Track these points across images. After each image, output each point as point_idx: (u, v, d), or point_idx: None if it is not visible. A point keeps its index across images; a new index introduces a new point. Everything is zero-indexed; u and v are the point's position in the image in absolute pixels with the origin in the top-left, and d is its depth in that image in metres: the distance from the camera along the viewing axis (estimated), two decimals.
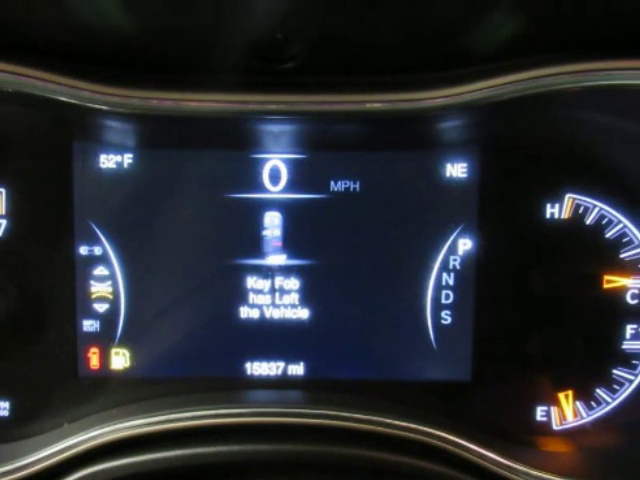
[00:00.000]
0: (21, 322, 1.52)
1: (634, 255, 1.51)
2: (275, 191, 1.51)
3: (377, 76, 1.38)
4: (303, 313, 1.54)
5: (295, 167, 1.50)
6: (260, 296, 1.53)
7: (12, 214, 1.49)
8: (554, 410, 1.56)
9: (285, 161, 1.50)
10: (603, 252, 1.51)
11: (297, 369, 1.56)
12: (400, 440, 1.42)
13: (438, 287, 1.53)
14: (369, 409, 1.44)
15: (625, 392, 1.55)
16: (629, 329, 1.53)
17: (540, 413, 1.56)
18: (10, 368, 1.53)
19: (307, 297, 1.53)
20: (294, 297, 1.53)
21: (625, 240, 1.51)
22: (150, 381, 1.54)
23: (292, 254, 1.52)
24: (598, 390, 1.56)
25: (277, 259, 1.53)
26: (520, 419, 1.56)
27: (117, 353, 1.54)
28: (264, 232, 1.51)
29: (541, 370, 1.55)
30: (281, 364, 1.56)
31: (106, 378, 1.54)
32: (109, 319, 1.53)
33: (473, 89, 1.34)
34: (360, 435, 1.42)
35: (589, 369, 1.55)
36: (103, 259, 1.51)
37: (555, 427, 1.57)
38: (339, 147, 1.49)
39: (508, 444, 1.49)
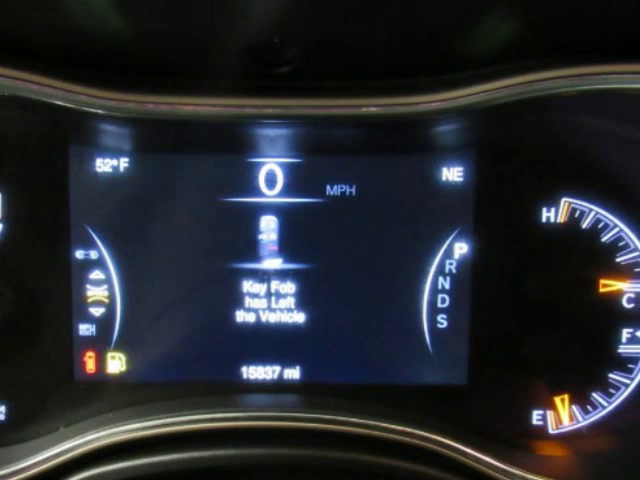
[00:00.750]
0: (17, 326, 1.52)
1: (630, 259, 1.52)
2: (271, 195, 1.50)
3: (373, 80, 1.37)
4: (299, 317, 1.54)
5: (291, 171, 1.50)
6: (256, 300, 1.53)
7: (8, 218, 1.49)
8: (550, 414, 1.56)
9: (281, 165, 1.50)
10: (599, 256, 1.51)
11: (293, 373, 1.55)
12: (396, 444, 1.41)
13: (434, 291, 1.53)
14: (365, 413, 1.44)
15: (621, 396, 1.55)
16: (625, 333, 1.53)
17: (536, 417, 1.56)
18: (6, 372, 1.53)
19: (303, 301, 1.53)
20: (290, 301, 1.53)
21: (621, 244, 1.51)
22: (146, 385, 1.54)
23: (288, 258, 1.52)
24: (594, 394, 1.55)
25: (273, 263, 1.52)
26: (516, 423, 1.56)
27: (113, 357, 1.54)
28: (260, 236, 1.51)
29: (537, 374, 1.54)
30: (277, 368, 1.55)
31: (102, 382, 1.54)
32: (105, 323, 1.53)
33: (469, 93, 1.34)
34: (356, 439, 1.42)
35: (585, 373, 1.55)
36: (99, 263, 1.51)
37: (551, 431, 1.57)
38: (335, 151, 1.49)
39: (504, 448, 1.49)
